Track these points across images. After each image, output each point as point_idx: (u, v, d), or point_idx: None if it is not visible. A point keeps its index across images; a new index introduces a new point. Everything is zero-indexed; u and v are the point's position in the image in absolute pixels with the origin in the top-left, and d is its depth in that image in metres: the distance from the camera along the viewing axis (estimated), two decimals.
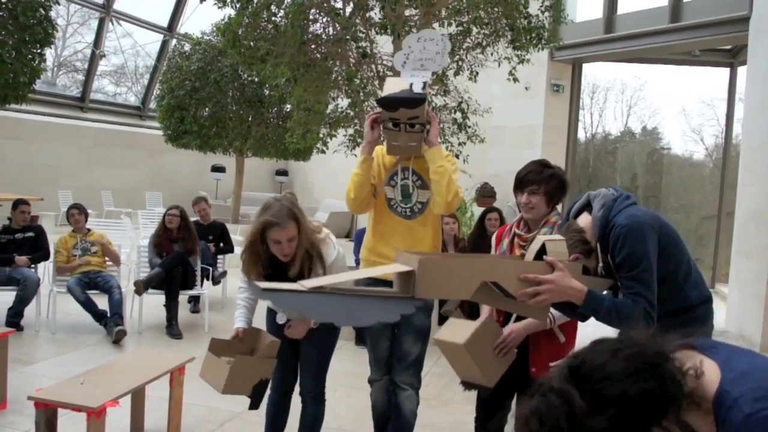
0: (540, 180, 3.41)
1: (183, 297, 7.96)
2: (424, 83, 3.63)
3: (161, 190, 19.41)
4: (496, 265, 2.49)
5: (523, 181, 3.44)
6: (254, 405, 3.70)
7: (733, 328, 9.32)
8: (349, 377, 6.02)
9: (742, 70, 12.52)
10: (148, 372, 4.23)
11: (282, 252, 3.44)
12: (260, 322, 3.88)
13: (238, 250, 10.28)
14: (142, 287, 7.28)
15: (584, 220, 2.90)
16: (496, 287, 2.40)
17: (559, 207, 3.57)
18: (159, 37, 20.47)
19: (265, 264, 3.53)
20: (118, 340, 6.99)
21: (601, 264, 2.87)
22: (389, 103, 3.60)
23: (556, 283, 2.47)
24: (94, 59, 19.29)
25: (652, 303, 2.68)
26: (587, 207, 2.94)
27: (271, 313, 3.88)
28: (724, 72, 13.51)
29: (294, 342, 3.75)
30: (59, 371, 5.81)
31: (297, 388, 3.99)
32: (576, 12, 13.74)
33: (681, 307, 2.86)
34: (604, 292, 2.81)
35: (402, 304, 2.28)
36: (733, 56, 13.22)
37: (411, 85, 3.61)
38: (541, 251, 2.54)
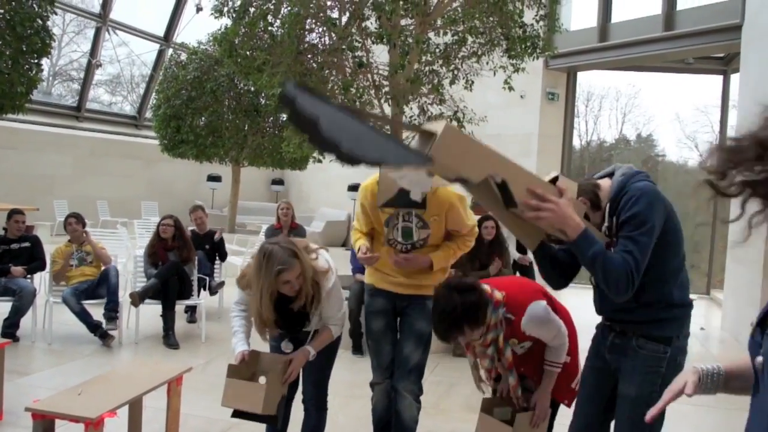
0: (450, 328, 3.19)
1: (180, 307, 7.94)
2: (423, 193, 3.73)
3: (157, 200, 19.39)
4: (512, 166, 2.46)
5: (444, 338, 3.27)
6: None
7: (728, 333, 9.35)
8: (346, 386, 6.01)
9: (735, 78, 12.59)
10: (146, 382, 4.23)
11: (292, 289, 3.53)
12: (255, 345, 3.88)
13: (233, 258, 10.28)
14: (137, 299, 7.27)
15: (604, 183, 2.91)
16: (500, 190, 2.41)
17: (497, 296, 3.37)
18: (155, 47, 20.50)
19: (273, 306, 3.57)
20: (106, 343, 7.16)
21: (606, 224, 2.85)
22: (391, 206, 3.83)
23: (560, 207, 2.48)
24: (90, 68, 19.30)
25: (639, 268, 2.65)
26: (610, 176, 2.95)
27: (276, 348, 3.88)
28: (718, 79, 13.57)
29: (296, 349, 3.76)
30: (56, 382, 5.80)
31: (299, 396, 3.99)
32: (570, 21, 13.82)
33: (658, 301, 2.83)
34: None
35: (412, 156, 2.13)
36: (726, 64, 13.28)
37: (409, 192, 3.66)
38: (553, 182, 2.57)
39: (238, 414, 3.61)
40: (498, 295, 3.27)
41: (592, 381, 3.12)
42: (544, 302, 3.34)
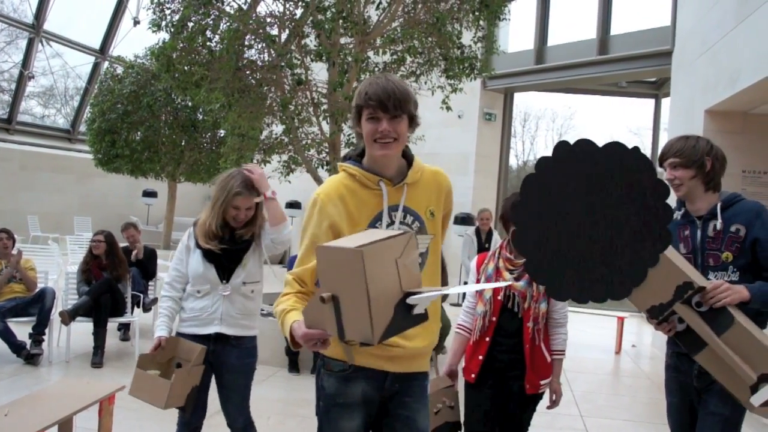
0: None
1: (113, 324, 7.79)
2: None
3: (91, 215, 19.02)
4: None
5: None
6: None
7: (658, 350, 9.54)
8: (281, 404, 5.97)
9: (666, 101, 12.97)
10: (77, 402, 4.14)
11: (237, 218, 3.69)
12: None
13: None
14: (67, 317, 7.09)
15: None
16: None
17: None
18: (90, 59, 20.19)
19: (220, 225, 3.70)
20: (32, 361, 6.96)
21: (716, 222, 3.03)
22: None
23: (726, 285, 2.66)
24: (21, 80, 18.90)
25: None
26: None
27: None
28: (650, 103, 13.97)
29: (207, 374, 3.71)
30: None
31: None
32: (508, 43, 14.05)
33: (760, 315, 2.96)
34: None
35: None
36: (657, 88, 13.68)
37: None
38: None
39: None
40: None
41: (678, 420, 3.27)
42: None
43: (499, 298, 3.59)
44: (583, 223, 2.43)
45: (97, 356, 7.23)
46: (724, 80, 7.71)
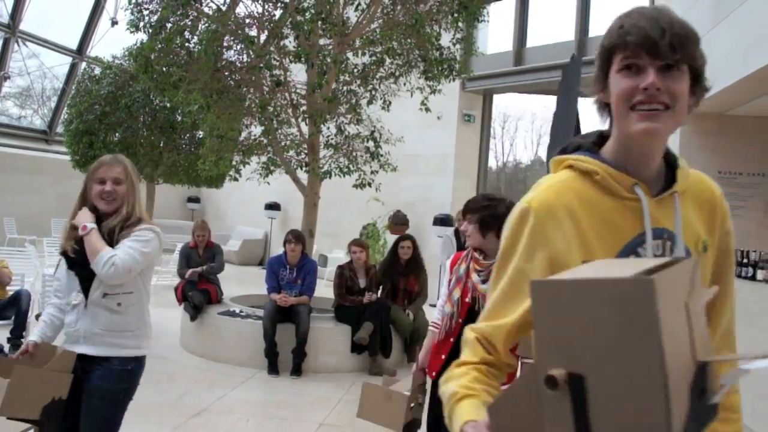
0: (475, 209, 3.61)
1: None
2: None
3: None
4: None
5: (465, 209, 3.72)
6: (47, 430, 3.03)
7: None
8: (260, 406, 5.95)
9: None
10: None
11: (102, 192, 3.23)
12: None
13: None
14: None
15: None
16: None
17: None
18: (68, 60, 20.03)
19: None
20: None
21: None
22: None
23: None
24: None
25: None
26: None
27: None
28: None
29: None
30: None
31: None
32: (487, 44, 14.10)
33: None
34: None
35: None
36: None
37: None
38: None
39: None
40: None
41: None
42: None
43: (467, 300, 3.63)
44: None
45: None
46: None
